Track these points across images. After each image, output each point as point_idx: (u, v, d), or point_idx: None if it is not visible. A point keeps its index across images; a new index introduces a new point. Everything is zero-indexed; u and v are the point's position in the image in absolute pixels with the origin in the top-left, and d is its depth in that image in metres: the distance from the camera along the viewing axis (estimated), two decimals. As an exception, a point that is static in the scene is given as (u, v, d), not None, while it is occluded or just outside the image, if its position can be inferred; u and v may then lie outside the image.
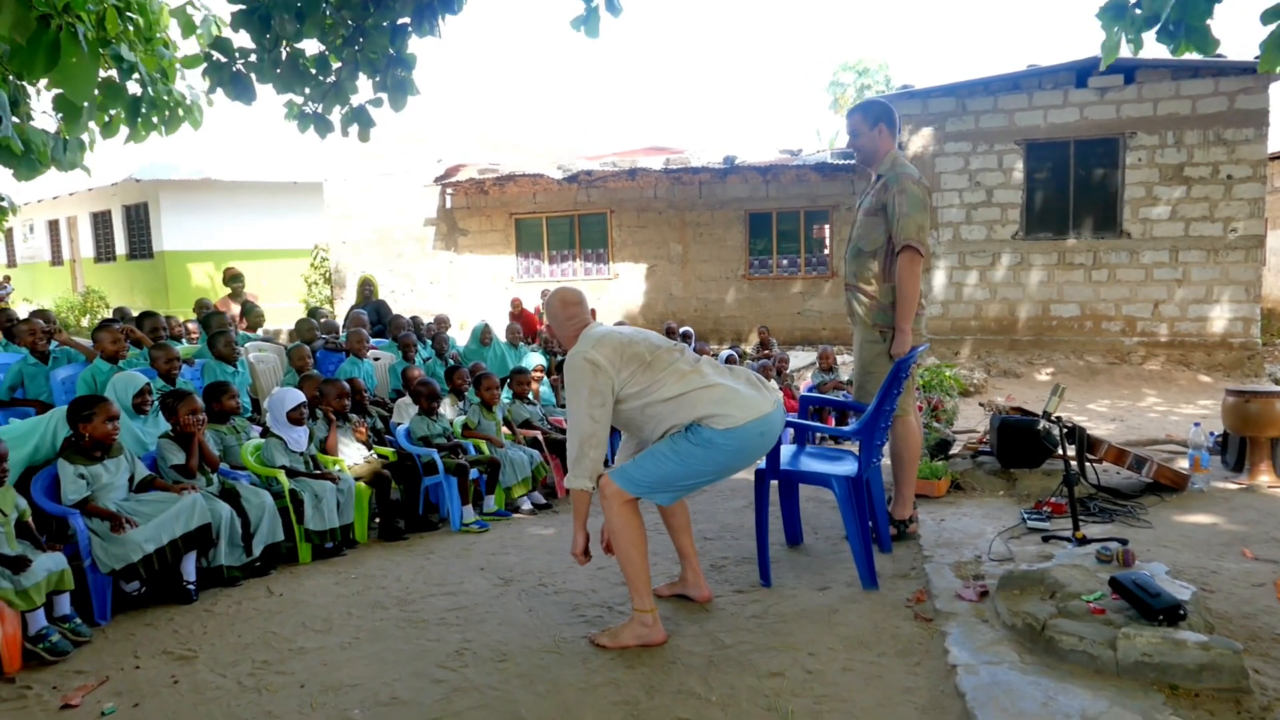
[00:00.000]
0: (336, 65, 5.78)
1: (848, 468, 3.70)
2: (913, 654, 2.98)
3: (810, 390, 8.20)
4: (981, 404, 7.33)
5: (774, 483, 3.79)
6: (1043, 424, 4.01)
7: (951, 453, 5.37)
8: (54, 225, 24.04)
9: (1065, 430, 4.06)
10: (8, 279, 20.13)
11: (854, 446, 4.32)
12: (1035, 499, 4.54)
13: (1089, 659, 2.68)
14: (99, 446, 3.85)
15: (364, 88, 6.10)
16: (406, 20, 5.64)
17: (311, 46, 5.58)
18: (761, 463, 3.72)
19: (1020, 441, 4.85)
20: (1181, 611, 2.72)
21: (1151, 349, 11.25)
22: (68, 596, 3.39)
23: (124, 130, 7.12)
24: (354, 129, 6.31)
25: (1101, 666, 2.65)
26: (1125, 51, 4.24)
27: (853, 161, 13.29)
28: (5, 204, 13.73)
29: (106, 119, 6.96)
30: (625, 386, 3.09)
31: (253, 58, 5.39)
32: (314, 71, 5.78)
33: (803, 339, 14.02)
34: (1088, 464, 4.62)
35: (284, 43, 5.50)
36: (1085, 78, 11.11)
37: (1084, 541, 3.70)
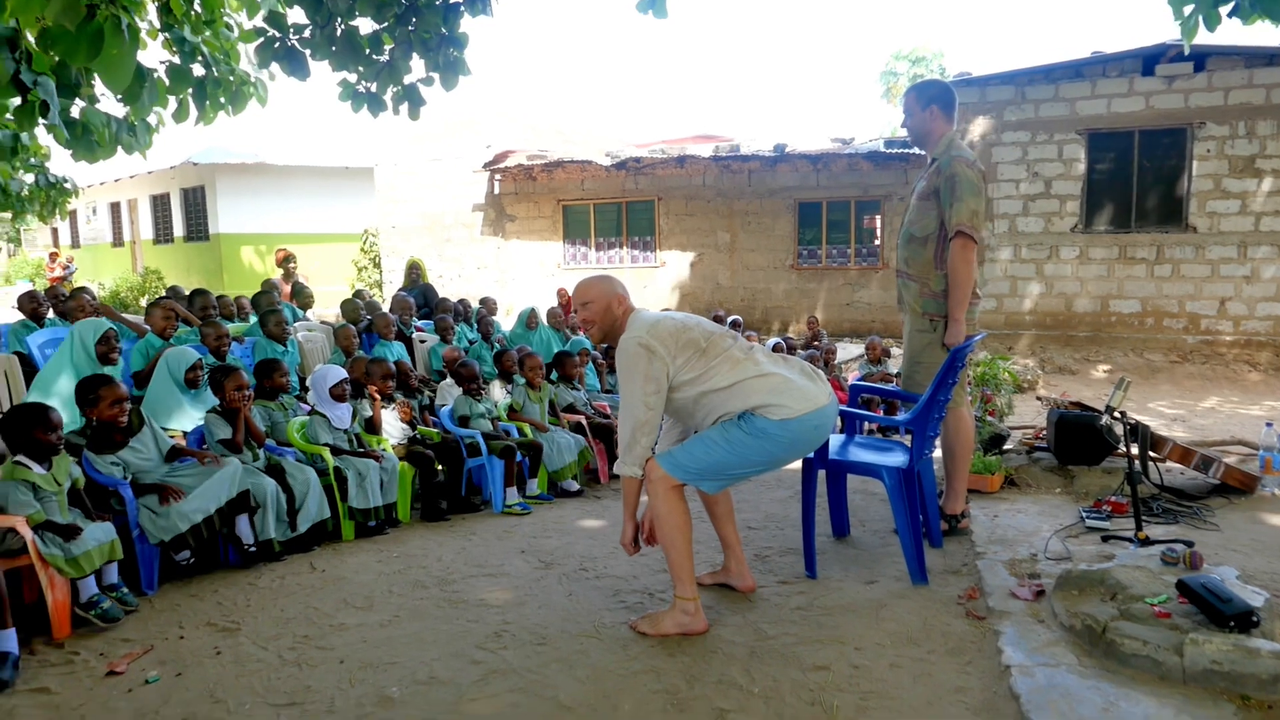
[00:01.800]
0: (389, 45, 5.79)
1: (898, 459, 3.59)
2: (964, 653, 2.88)
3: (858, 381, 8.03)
4: (1039, 397, 7.12)
5: (821, 472, 3.70)
6: (1105, 419, 3.85)
7: (1006, 448, 5.21)
8: (115, 207, 24.69)
9: (1128, 427, 3.89)
10: (71, 259, 20.72)
11: (905, 437, 4.20)
12: (1094, 497, 4.37)
13: (1153, 665, 2.55)
14: (114, 429, 3.84)
15: (416, 68, 6.11)
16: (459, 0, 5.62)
17: (365, 25, 5.59)
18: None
19: (1079, 437, 4.68)
20: (1254, 618, 2.58)
21: (1216, 348, 10.85)
22: (115, 566, 3.44)
23: (194, 113, 7.23)
24: (404, 108, 6.33)
25: (1167, 673, 2.53)
26: (1200, 34, 4.05)
27: (906, 150, 13.03)
28: (69, 186, 14.13)
29: (175, 103, 7.06)
30: (680, 373, 3.01)
31: (307, 34, 5.41)
32: (368, 50, 5.79)
33: (851, 331, 13.80)
34: (1151, 463, 4.44)
35: (339, 20, 5.52)
36: (1152, 65, 10.71)
37: (1147, 543, 3.55)
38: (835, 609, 3.27)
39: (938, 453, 4.14)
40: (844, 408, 4.12)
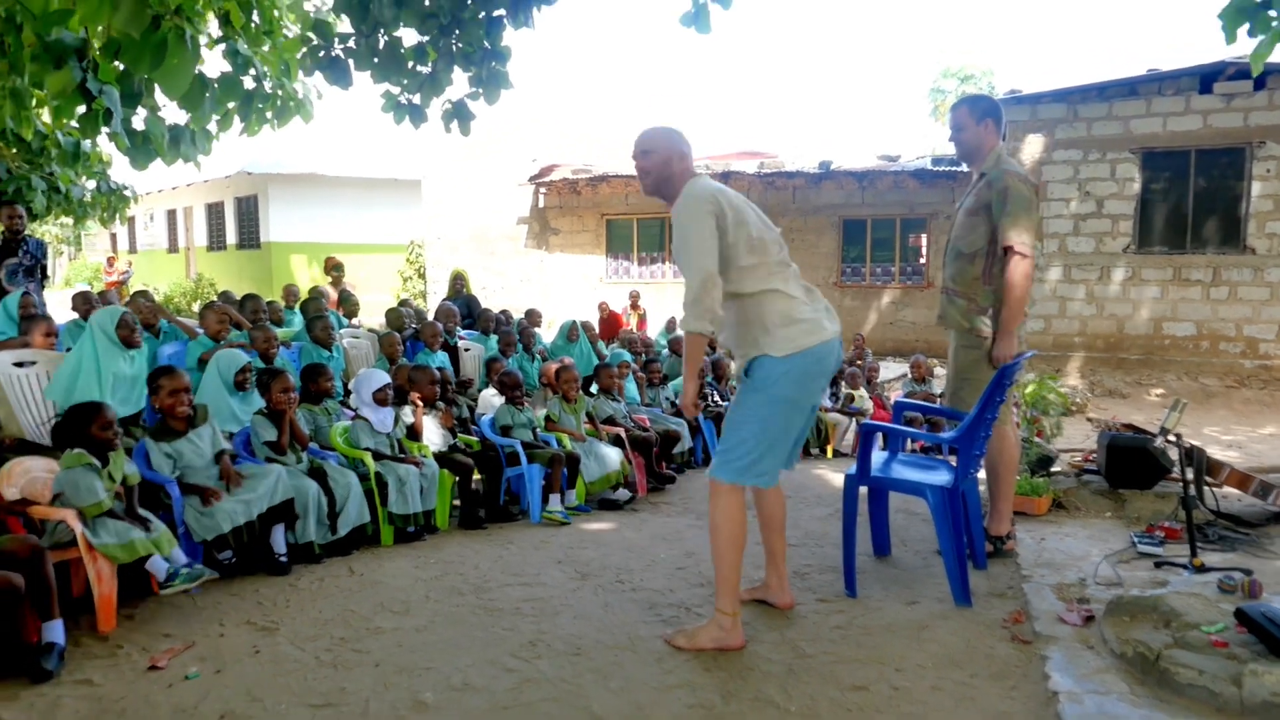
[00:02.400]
0: (433, 58, 5.87)
1: (943, 477, 3.52)
2: (1009, 677, 2.80)
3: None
4: (1090, 418, 6.95)
5: (862, 490, 3.64)
6: (1158, 441, 3.73)
7: (1054, 470, 5.08)
8: (172, 215, 25.35)
9: (1183, 450, 3.78)
10: (129, 264, 21.32)
11: (949, 456, 4.12)
12: (1146, 522, 4.24)
13: (1209, 695, 2.45)
14: (174, 419, 3.96)
15: (459, 81, 6.17)
16: (502, 12, 5.68)
17: (409, 37, 5.67)
18: (851, 468, 3.58)
19: (1131, 460, 4.54)
20: (1318, 651, 2.47)
21: (1275, 373, 10.51)
22: (181, 551, 3.51)
23: (238, 124, 7.40)
24: (455, 125, 6.40)
25: (1224, 704, 2.43)
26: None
27: (953, 168, 12.88)
28: (128, 193, 14.53)
29: (223, 112, 7.24)
30: (731, 259, 2.97)
31: (351, 43, 5.51)
32: (410, 63, 5.88)
33: (894, 350, 13.64)
34: (1206, 488, 4.30)
35: (382, 31, 5.61)
36: (1210, 83, 10.46)
37: (1203, 570, 3.43)
38: (875, 629, 3.21)
39: (982, 473, 4.05)
40: (887, 425, 4.06)
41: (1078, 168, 11.25)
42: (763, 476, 3.07)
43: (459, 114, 6.30)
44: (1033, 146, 11.39)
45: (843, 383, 9.20)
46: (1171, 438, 3.71)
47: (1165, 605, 2.89)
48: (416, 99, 6.12)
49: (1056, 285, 11.49)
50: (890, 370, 11.58)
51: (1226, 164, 10.60)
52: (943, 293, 4.03)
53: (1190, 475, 3.87)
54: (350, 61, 5.53)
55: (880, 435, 4.08)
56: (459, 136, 6.42)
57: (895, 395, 8.93)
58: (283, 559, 3.95)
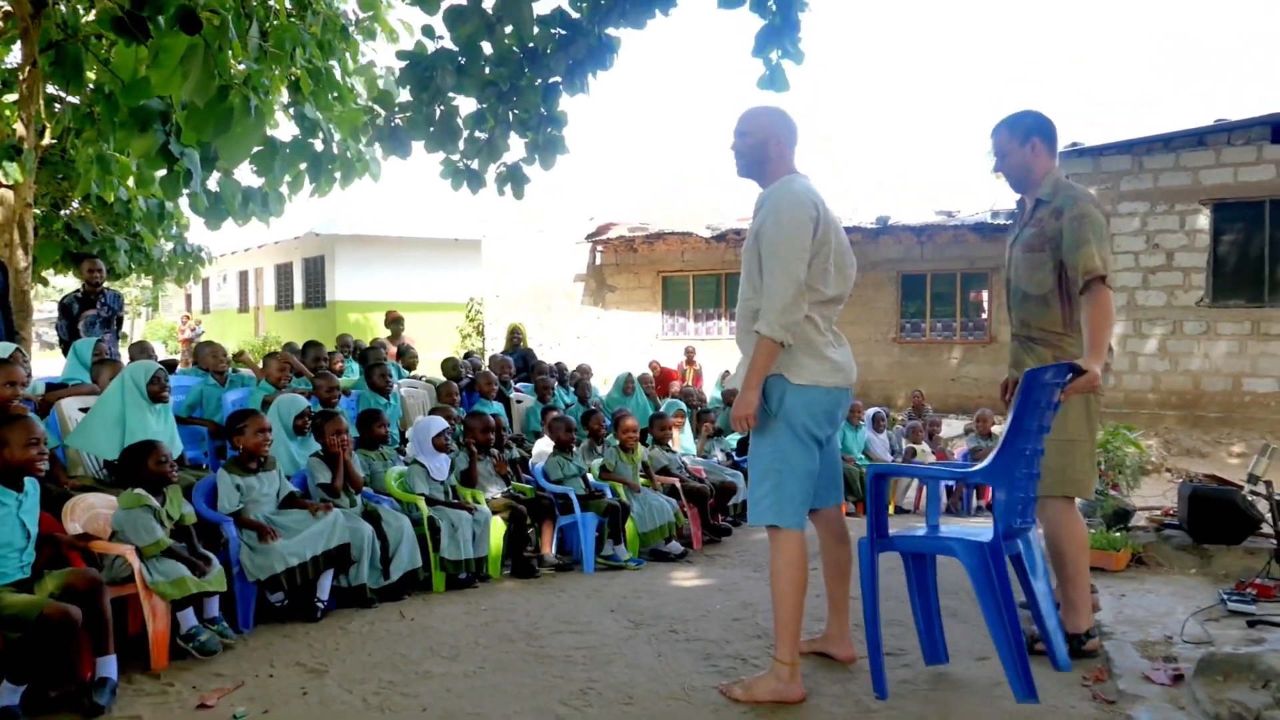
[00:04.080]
0: (491, 125, 6.01)
1: (984, 535, 2.82)
2: (1092, 738, 2.60)
3: (964, 457, 7.70)
4: (1168, 469, 6.62)
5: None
6: (1246, 490, 3.51)
7: (1132, 524, 4.82)
8: (243, 276, 26.31)
9: (1274, 502, 3.54)
10: (199, 322, 22.10)
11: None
12: (1235, 579, 3.97)
13: (1319, 762, 2.24)
14: (252, 458, 4.03)
15: (515, 147, 6.31)
16: (558, 79, 5.82)
17: (467, 105, 5.82)
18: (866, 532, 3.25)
19: (1217, 513, 4.28)
20: None
21: (1368, 432, 9.96)
22: (217, 600, 3.50)
23: (309, 185, 7.68)
24: (509, 188, 6.53)
25: (1336, 772, 2.21)
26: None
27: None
28: (205, 255, 15.11)
29: (294, 174, 7.53)
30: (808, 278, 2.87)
31: (410, 114, 5.68)
32: (466, 130, 6.03)
33: (956, 407, 13.30)
34: (1301, 544, 4.02)
35: (439, 101, 5.78)
36: (1283, 132, 10.19)
37: (1302, 629, 3.18)
38: (944, 684, 3.04)
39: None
40: (894, 466, 3.88)
41: (1145, 220, 10.99)
42: (787, 513, 2.88)
43: (513, 178, 6.43)
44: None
45: (903, 438, 8.98)
46: (1261, 487, 3.49)
47: (1263, 664, 2.67)
48: (475, 165, 6.26)
49: (1126, 340, 11.12)
50: (952, 428, 11.28)
51: (1304, 214, 10.24)
52: (1015, 339, 3.54)
53: (1283, 528, 3.63)
54: (408, 132, 5.71)
55: (942, 490, 3.90)
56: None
57: (959, 451, 8.66)
58: (320, 604, 3.88)
